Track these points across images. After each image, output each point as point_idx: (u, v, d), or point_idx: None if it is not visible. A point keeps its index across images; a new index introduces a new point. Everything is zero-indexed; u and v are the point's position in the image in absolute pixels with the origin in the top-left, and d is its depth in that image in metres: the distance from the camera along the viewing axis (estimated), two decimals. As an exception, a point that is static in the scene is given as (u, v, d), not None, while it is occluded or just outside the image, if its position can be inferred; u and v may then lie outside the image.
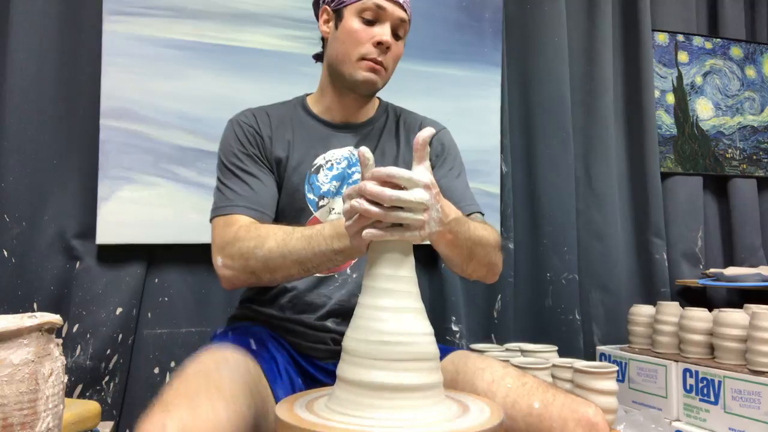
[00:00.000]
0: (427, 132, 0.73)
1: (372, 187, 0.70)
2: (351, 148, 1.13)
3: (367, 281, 0.75)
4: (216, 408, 0.74)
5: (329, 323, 1.06)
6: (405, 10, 1.08)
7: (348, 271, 1.09)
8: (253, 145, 1.08)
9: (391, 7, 1.05)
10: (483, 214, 1.14)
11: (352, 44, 1.06)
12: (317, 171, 1.10)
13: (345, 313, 1.03)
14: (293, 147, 1.11)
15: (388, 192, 0.69)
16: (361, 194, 0.71)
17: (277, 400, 0.93)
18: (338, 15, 1.09)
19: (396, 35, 1.08)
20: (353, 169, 1.12)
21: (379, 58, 1.06)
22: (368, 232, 0.72)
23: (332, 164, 1.11)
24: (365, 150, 0.74)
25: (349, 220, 0.74)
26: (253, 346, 0.99)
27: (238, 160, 1.07)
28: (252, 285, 0.99)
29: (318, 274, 1.07)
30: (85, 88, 1.68)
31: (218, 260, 0.97)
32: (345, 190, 0.77)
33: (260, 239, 0.92)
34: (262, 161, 1.09)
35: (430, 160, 1.13)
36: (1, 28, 1.64)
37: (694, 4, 2.49)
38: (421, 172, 0.72)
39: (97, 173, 1.64)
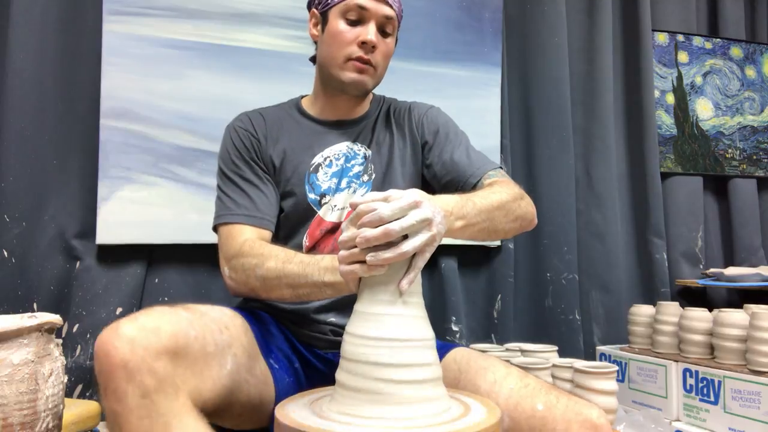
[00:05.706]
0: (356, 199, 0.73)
1: (371, 233, 0.68)
2: (348, 143, 1.14)
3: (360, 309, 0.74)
4: (177, 312, 0.75)
5: (331, 316, 1.06)
6: (391, 6, 1.07)
7: None
8: (249, 149, 1.09)
9: (374, 6, 1.05)
10: (502, 168, 1.11)
11: (338, 46, 1.06)
12: (316, 170, 1.10)
13: (350, 302, 1.03)
14: (290, 149, 1.11)
15: (393, 226, 0.68)
16: (365, 245, 0.69)
17: (271, 368, 0.95)
18: (324, 18, 1.09)
19: (384, 32, 1.08)
20: (352, 162, 1.12)
21: (366, 56, 1.06)
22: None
23: (331, 161, 1.12)
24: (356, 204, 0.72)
25: (347, 251, 0.72)
26: (255, 320, 1.00)
27: (236, 167, 1.08)
28: (254, 298, 1.02)
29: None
30: (85, 88, 1.68)
31: (225, 270, 1.00)
32: (344, 223, 0.75)
33: (262, 258, 0.94)
34: (259, 165, 1.09)
35: (426, 141, 1.14)
36: (1, 28, 1.64)
37: (694, 4, 2.49)
38: (399, 194, 0.71)
39: (97, 173, 1.64)
